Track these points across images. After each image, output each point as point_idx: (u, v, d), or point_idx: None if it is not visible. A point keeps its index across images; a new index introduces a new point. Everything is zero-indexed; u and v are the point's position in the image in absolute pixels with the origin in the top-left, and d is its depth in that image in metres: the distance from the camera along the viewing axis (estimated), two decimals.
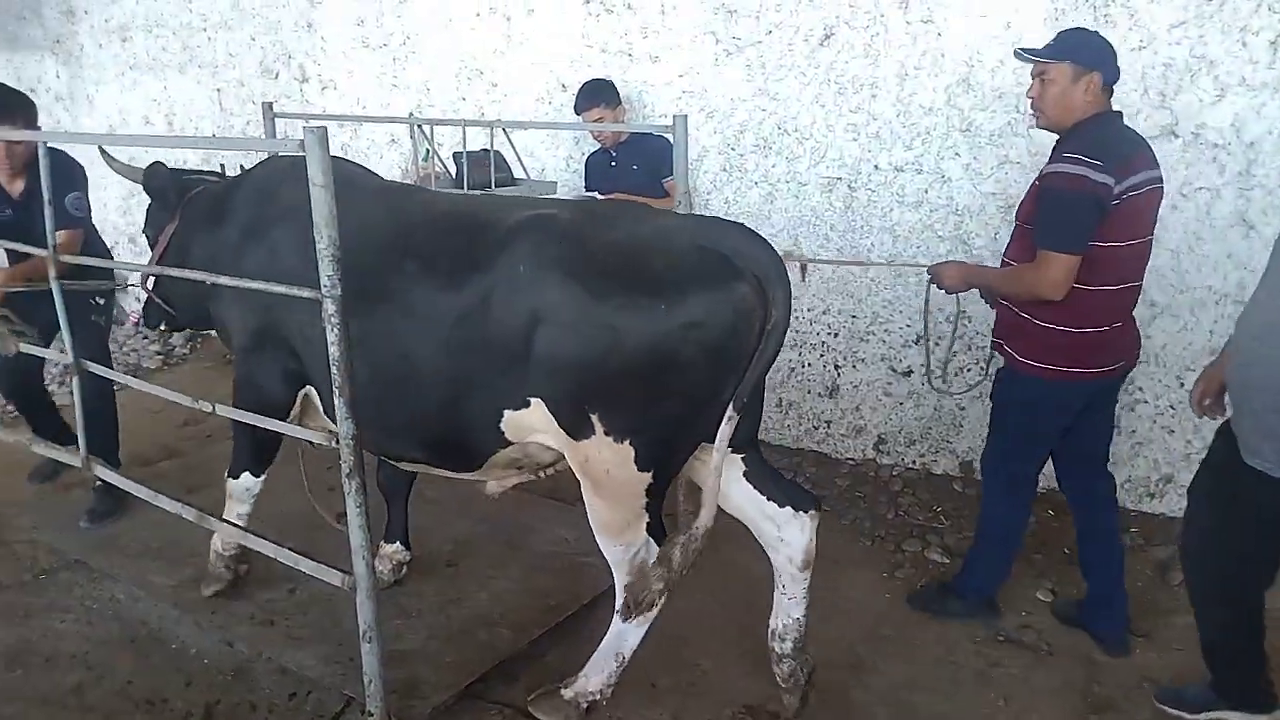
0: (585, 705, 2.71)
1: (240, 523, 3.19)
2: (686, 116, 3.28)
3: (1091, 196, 2.63)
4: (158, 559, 3.50)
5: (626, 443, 2.36)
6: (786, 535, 2.64)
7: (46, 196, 2.79)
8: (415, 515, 3.81)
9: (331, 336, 2.21)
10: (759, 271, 2.30)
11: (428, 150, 4.10)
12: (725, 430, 2.34)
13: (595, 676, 2.70)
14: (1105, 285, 2.77)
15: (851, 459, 4.48)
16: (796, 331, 4.46)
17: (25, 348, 3.28)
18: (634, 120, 4.57)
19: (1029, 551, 3.67)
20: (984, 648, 3.15)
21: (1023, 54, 2.81)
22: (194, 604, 3.22)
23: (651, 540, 2.57)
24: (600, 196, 4.24)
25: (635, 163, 4.28)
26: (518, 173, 4.17)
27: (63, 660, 3.04)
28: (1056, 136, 2.83)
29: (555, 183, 4.45)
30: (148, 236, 3.38)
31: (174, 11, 6.23)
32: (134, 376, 3.01)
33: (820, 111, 4.17)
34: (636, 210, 2.66)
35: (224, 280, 2.47)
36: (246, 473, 3.14)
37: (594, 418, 2.36)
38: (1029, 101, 2.85)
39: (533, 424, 2.47)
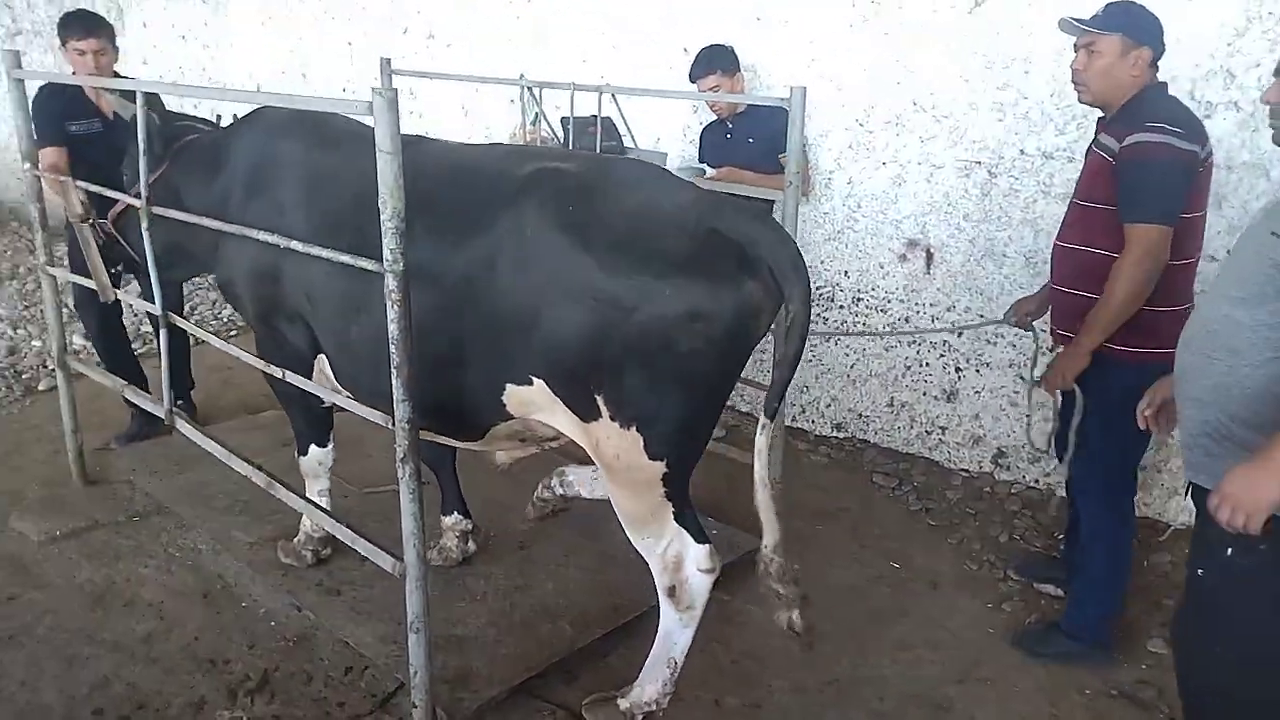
0: (640, 717, 2.56)
1: (322, 498, 3.16)
2: (805, 89, 2.98)
3: (1180, 164, 2.56)
4: (242, 514, 3.52)
5: (634, 429, 2.25)
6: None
7: (141, 146, 2.78)
8: (494, 491, 3.73)
9: (392, 313, 2.08)
10: (774, 266, 2.18)
11: (536, 114, 3.94)
12: (762, 441, 2.29)
13: (650, 686, 2.56)
14: (1188, 258, 2.70)
15: (966, 470, 4.12)
16: (916, 327, 4.11)
17: (122, 296, 3.33)
18: (756, 90, 4.27)
19: (1156, 595, 3.27)
20: (1094, 702, 2.80)
21: (1069, 23, 2.68)
22: (268, 564, 3.22)
23: (685, 532, 2.43)
24: (710, 170, 4.00)
25: (751, 135, 4.00)
26: (627, 141, 3.96)
27: (139, 607, 3.08)
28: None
29: (666, 154, 4.22)
30: (124, 175, 3.26)
31: None
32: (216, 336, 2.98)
33: (963, 87, 3.77)
34: (655, 176, 2.47)
35: (295, 245, 2.35)
36: (313, 446, 3.09)
37: (599, 400, 2.25)
38: (1071, 73, 2.77)
39: (535, 401, 2.37)
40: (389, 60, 4.26)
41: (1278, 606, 1.94)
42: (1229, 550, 1.93)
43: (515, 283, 2.25)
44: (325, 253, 2.24)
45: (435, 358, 2.39)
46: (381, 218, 2.02)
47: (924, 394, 4.18)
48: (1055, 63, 3.51)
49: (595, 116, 3.81)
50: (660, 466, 2.30)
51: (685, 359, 2.17)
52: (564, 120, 3.82)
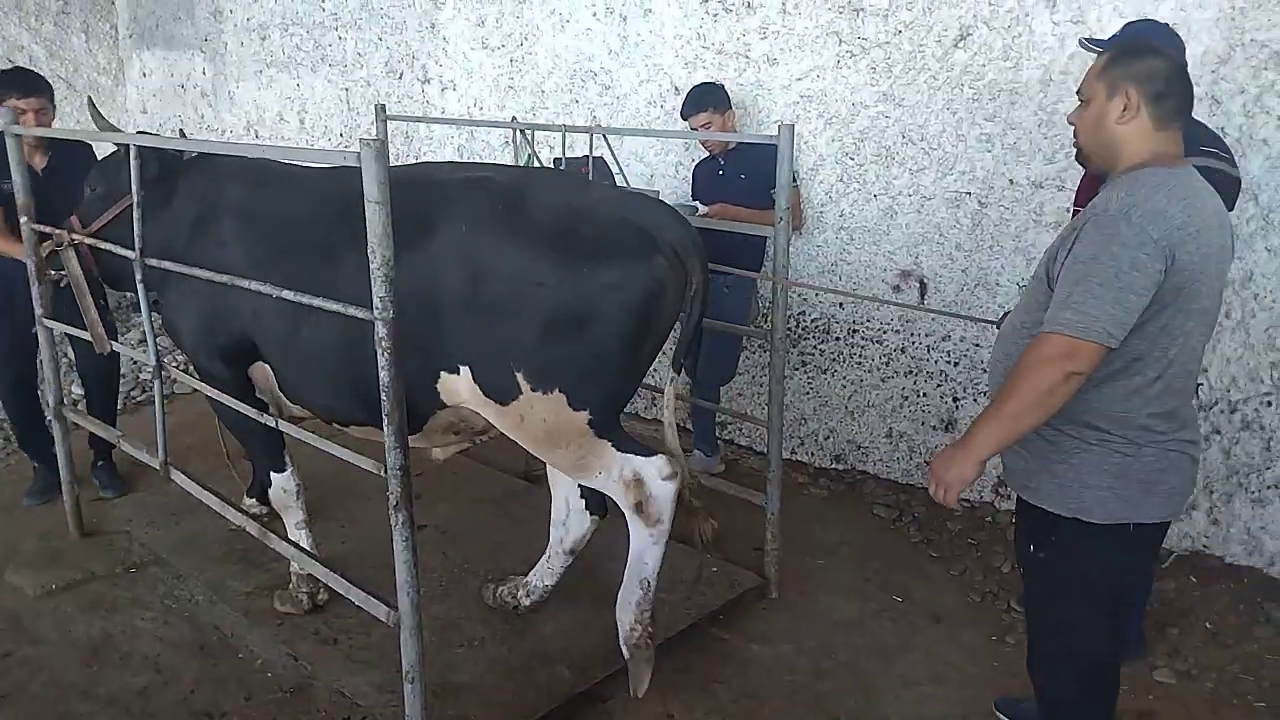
0: (632, 645, 2.74)
1: (302, 529, 3.16)
2: (793, 127, 3.00)
3: (1232, 194, 2.53)
4: (239, 562, 3.50)
5: (555, 390, 2.50)
6: (571, 525, 3.06)
7: (135, 199, 2.79)
8: (498, 532, 3.72)
9: (382, 361, 2.09)
10: (677, 245, 2.54)
11: (529, 155, 3.97)
12: (669, 391, 2.74)
13: (626, 612, 2.74)
14: None
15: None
16: (912, 358, 4.10)
17: (116, 346, 3.34)
18: (747, 126, 4.31)
19: (1160, 622, 3.23)
20: None
21: (1089, 44, 2.64)
22: (264, 613, 3.19)
23: (633, 456, 2.65)
24: (702, 207, 4.02)
25: (743, 172, 4.02)
26: (620, 180, 3.98)
27: (135, 660, 3.06)
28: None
29: (657, 191, 4.22)
30: (92, 190, 3.27)
31: (308, 11, 6.36)
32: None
33: (951, 119, 3.80)
34: (572, 182, 2.87)
35: (286, 294, 2.36)
36: (272, 473, 3.10)
37: (519, 376, 2.49)
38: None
39: (461, 391, 2.59)
40: (384, 107, 4.31)
41: (1076, 588, 2.17)
42: (1030, 547, 2.21)
43: (452, 276, 2.47)
44: (316, 300, 2.24)
45: (373, 358, 2.47)
46: (371, 266, 2.03)
47: (922, 424, 4.16)
48: (1042, 92, 3.54)
49: (587, 157, 3.84)
50: (584, 415, 2.56)
51: (601, 323, 2.47)
52: (556, 161, 3.84)
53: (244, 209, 2.90)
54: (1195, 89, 3.21)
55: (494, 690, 2.78)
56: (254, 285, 2.41)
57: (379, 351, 2.07)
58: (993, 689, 2.91)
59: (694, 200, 4.19)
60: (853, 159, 4.12)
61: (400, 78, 5.93)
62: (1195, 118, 2.71)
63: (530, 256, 2.44)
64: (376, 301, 2.04)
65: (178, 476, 3.04)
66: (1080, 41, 2.82)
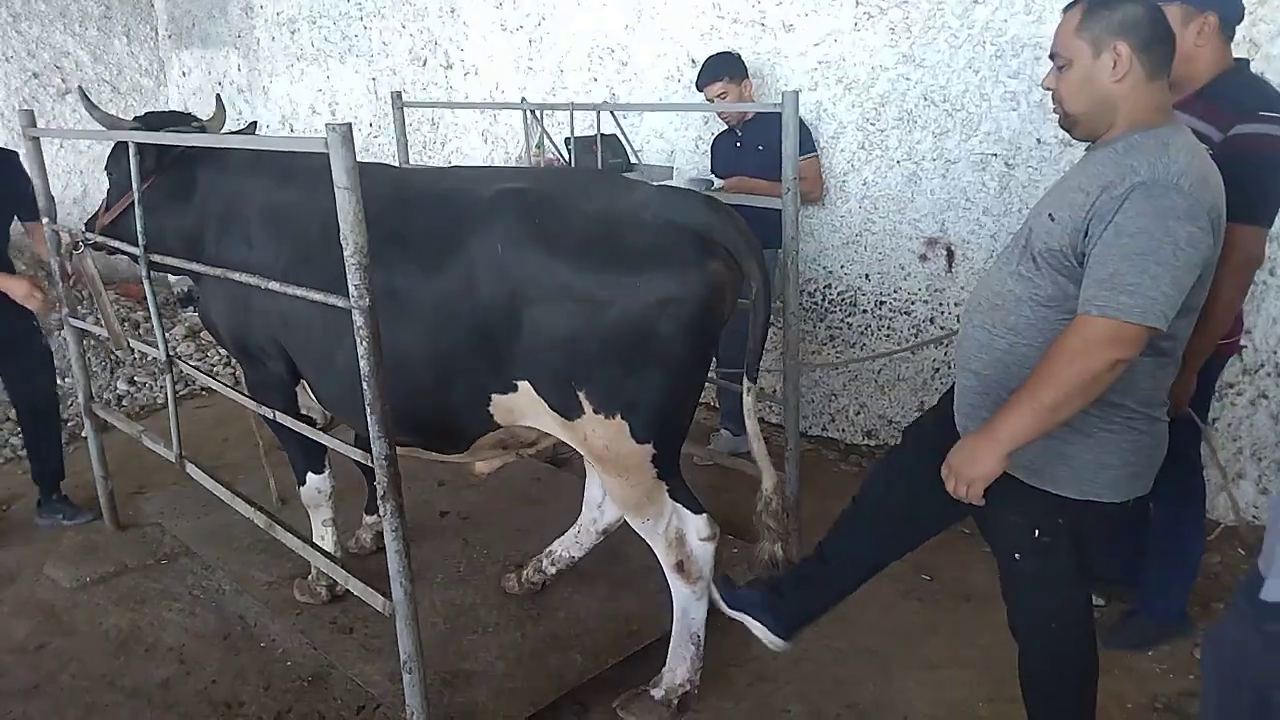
0: (677, 700, 2.61)
1: (328, 526, 3.17)
2: (797, 94, 2.90)
3: None
4: (263, 552, 3.54)
5: (618, 417, 2.35)
6: (607, 508, 3.02)
7: (136, 196, 2.80)
8: (520, 517, 3.70)
9: (362, 350, 2.06)
10: (730, 246, 2.35)
11: (541, 135, 3.91)
12: (749, 401, 2.51)
13: (680, 667, 2.64)
14: None
15: None
16: (941, 328, 3.96)
17: (134, 343, 3.38)
18: (766, 95, 4.19)
19: (1205, 597, 3.07)
20: (1136, 715, 2.64)
21: None
22: (285, 603, 3.22)
23: (681, 508, 2.56)
24: (719, 181, 3.92)
25: (761, 143, 3.90)
26: (632, 157, 3.91)
27: (160, 652, 3.11)
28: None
29: (671, 167, 4.16)
30: (109, 175, 3.22)
31: (334, 2, 6.38)
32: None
33: (974, 79, 3.63)
34: (612, 181, 2.64)
35: (253, 281, 2.38)
36: (309, 474, 3.09)
37: (581, 395, 2.35)
38: None
39: (521, 407, 2.46)
40: (400, 94, 4.29)
41: (1076, 569, 2.07)
42: (1035, 531, 2.03)
43: (493, 297, 2.34)
44: (293, 290, 2.23)
45: (420, 379, 2.50)
46: (345, 254, 2.00)
47: None
48: None
49: (596, 135, 3.78)
50: (648, 449, 2.41)
51: (661, 343, 2.28)
52: (566, 141, 3.78)
53: (265, 204, 2.82)
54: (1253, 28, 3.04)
55: (505, 677, 2.76)
56: (239, 276, 2.40)
57: (358, 340, 2.04)
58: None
59: (711, 174, 4.10)
60: (874, 124, 3.97)
61: (424, 64, 5.92)
62: (1253, 73, 2.51)
63: (572, 272, 2.26)
64: (352, 290, 2.01)
65: (192, 469, 3.07)
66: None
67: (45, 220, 3.45)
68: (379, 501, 2.18)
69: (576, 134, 3.74)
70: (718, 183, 3.91)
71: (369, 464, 2.17)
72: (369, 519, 3.51)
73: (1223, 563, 3.24)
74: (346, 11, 6.33)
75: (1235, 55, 2.48)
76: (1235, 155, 2.25)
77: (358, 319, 2.02)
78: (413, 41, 5.94)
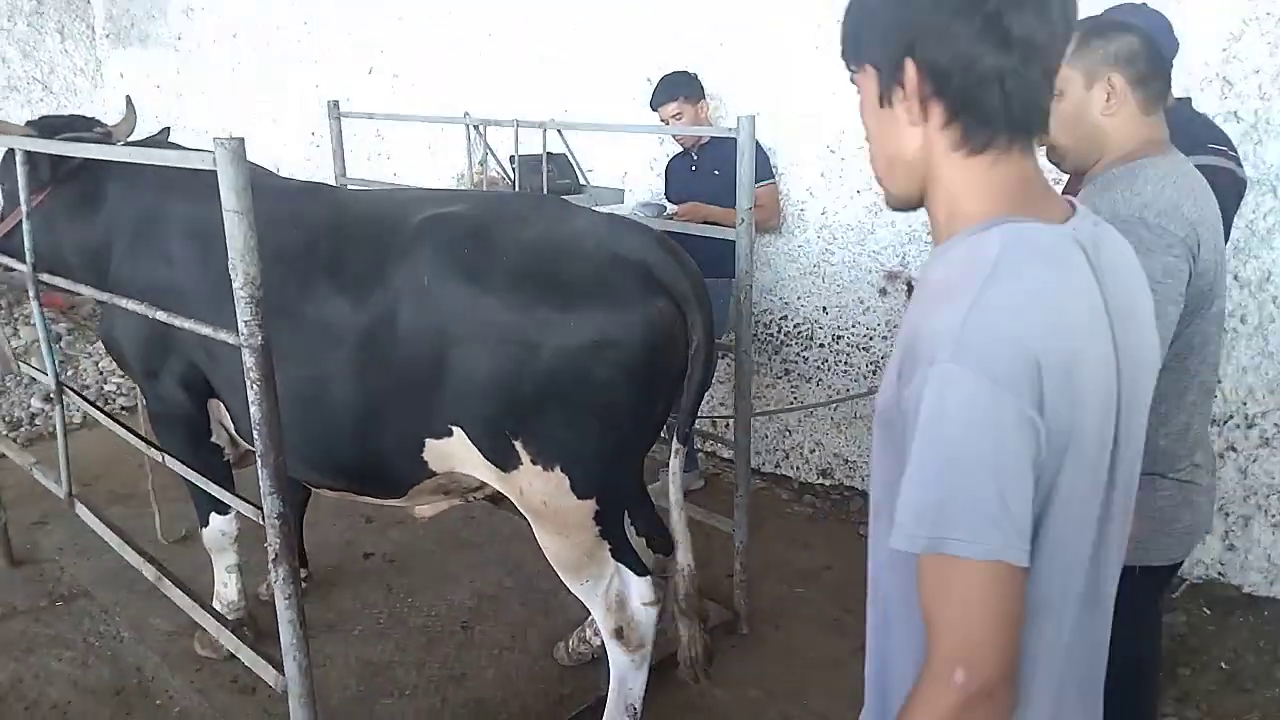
0: None
1: (233, 573, 2.91)
2: (753, 117, 2.72)
3: (1239, 194, 2.32)
4: (165, 597, 3.23)
5: (557, 469, 2.12)
6: None
7: (24, 210, 2.53)
8: (450, 561, 3.46)
9: (252, 394, 1.80)
10: (676, 293, 2.11)
11: (485, 152, 3.69)
12: (675, 464, 2.30)
13: None
14: None
15: None
16: None
17: (26, 368, 3.09)
18: (723, 119, 4.01)
19: (1174, 661, 2.91)
20: None
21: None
22: (185, 655, 2.94)
23: (624, 568, 2.35)
24: (671, 207, 3.72)
25: (717, 167, 3.72)
26: (581, 178, 3.70)
27: (42, 709, 2.81)
28: None
29: (622, 190, 3.96)
30: (0, 186, 2.94)
31: (278, 5, 6.11)
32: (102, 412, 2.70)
33: None
34: (553, 206, 2.36)
35: (134, 307, 2.11)
36: (212, 514, 2.83)
37: (518, 445, 2.12)
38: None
39: (456, 454, 2.23)
40: (337, 103, 4.07)
41: None
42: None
43: (420, 334, 2.12)
44: (183, 322, 1.98)
45: (348, 421, 2.28)
46: (234, 285, 1.75)
47: None
48: None
49: (551, 154, 3.57)
50: (590, 505, 2.19)
51: (601, 391, 2.06)
52: (512, 159, 3.57)
53: (190, 219, 2.55)
54: (1204, 69, 2.93)
55: None
56: (128, 304, 2.13)
57: (247, 384, 1.80)
58: None
59: (664, 198, 3.90)
60: (834, 153, 3.81)
61: (370, 73, 5.67)
62: (1196, 109, 2.49)
63: (502, 309, 2.05)
64: (242, 327, 1.76)
65: (81, 510, 2.78)
66: None
67: None
68: (270, 565, 1.93)
69: (524, 153, 3.53)
70: (671, 208, 3.72)
71: (259, 520, 1.92)
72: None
73: (1189, 623, 3.10)
74: (291, 16, 6.06)
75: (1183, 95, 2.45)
76: None
77: (248, 359, 1.78)
78: (357, 51, 5.69)
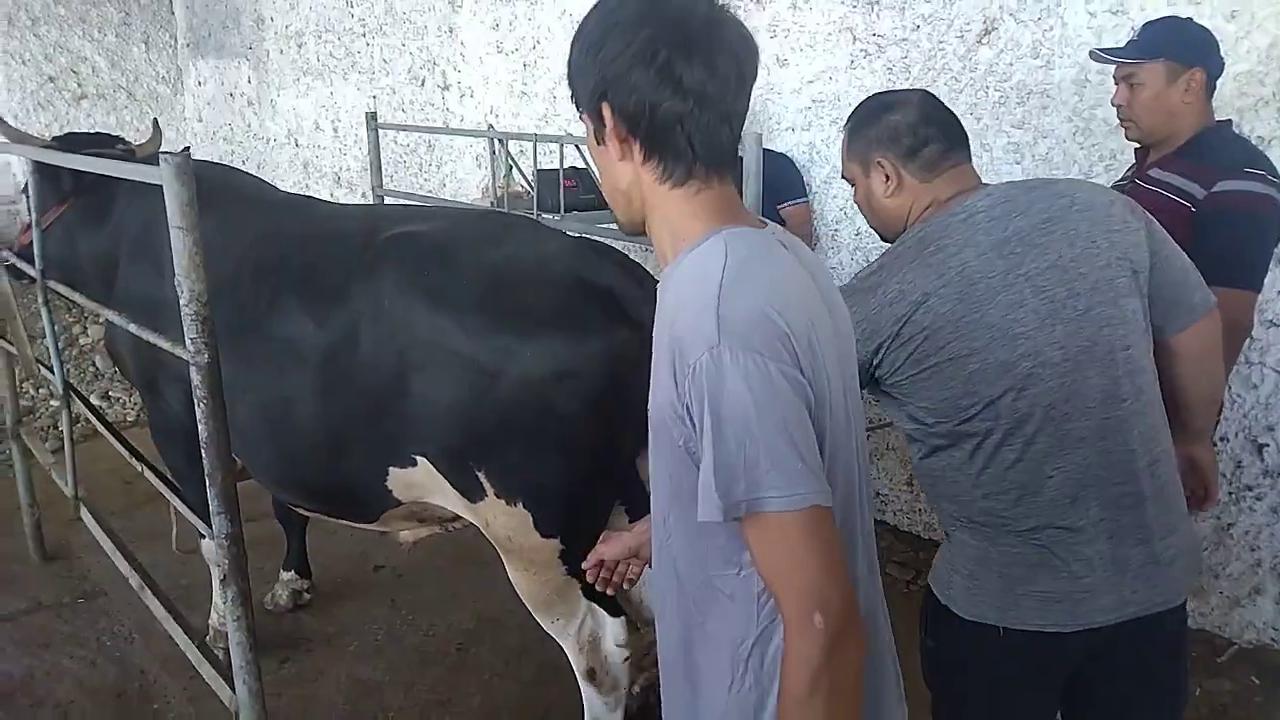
0: None
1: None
2: (760, 134, 2.62)
3: (1277, 222, 2.18)
4: (178, 602, 3.28)
5: (520, 505, 2.05)
6: (646, 593, 2.37)
7: (33, 218, 2.60)
8: (457, 579, 3.42)
9: (200, 413, 1.79)
10: (643, 315, 1.92)
11: (509, 167, 3.66)
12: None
13: None
14: None
15: None
16: None
17: (46, 373, 3.16)
18: (757, 132, 3.89)
19: None
20: None
21: (1101, 56, 2.39)
22: (183, 664, 2.93)
23: (597, 609, 2.25)
24: None
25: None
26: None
27: (47, 709, 2.87)
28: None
29: None
30: (29, 205, 2.97)
31: (339, 17, 6.23)
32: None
33: (975, 125, 3.30)
34: (525, 227, 2.29)
35: (114, 318, 2.23)
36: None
37: (480, 476, 2.05)
38: (1116, 109, 2.42)
39: (422, 483, 2.16)
40: (374, 115, 4.09)
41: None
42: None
43: (378, 358, 2.07)
44: (137, 330, 1.99)
45: (312, 441, 2.24)
46: (181, 301, 1.74)
47: None
48: (1076, 95, 3.03)
49: (574, 168, 3.52)
50: (555, 544, 2.10)
51: (562, 423, 1.97)
52: (535, 174, 3.53)
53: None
54: (1261, 87, 2.71)
55: None
56: (108, 313, 2.16)
57: (195, 401, 1.78)
58: None
59: None
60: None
61: (422, 84, 5.73)
62: (1235, 131, 2.34)
63: (460, 334, 1.99)
64: (189, 343, 1.75)
65: (86, 516, 2.84)
66: (1091, 54, 2.43)
67: None
68: (216, 585, 1.91)
69: (551, 167, 3.48)
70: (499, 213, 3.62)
71: (215, 537, 1.90)
72: (285, 575, 3.26)
73: (1234, 692, 2.85)
74: (350, 27, 6.17)
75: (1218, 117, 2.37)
76: (1218, 213, 2.16)
77: (194, 376, 1.76)
78: (412, 60, 5.75)
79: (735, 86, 1.10)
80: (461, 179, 5.57)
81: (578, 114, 1.18)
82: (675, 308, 1.08)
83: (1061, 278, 1.49)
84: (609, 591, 1.74)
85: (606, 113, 1.11)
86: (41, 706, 2.87)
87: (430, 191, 5.65)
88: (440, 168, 5.76)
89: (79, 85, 8.71)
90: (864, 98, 1.74)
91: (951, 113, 1.67)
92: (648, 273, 2.17)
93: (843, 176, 1.75)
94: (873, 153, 1.65)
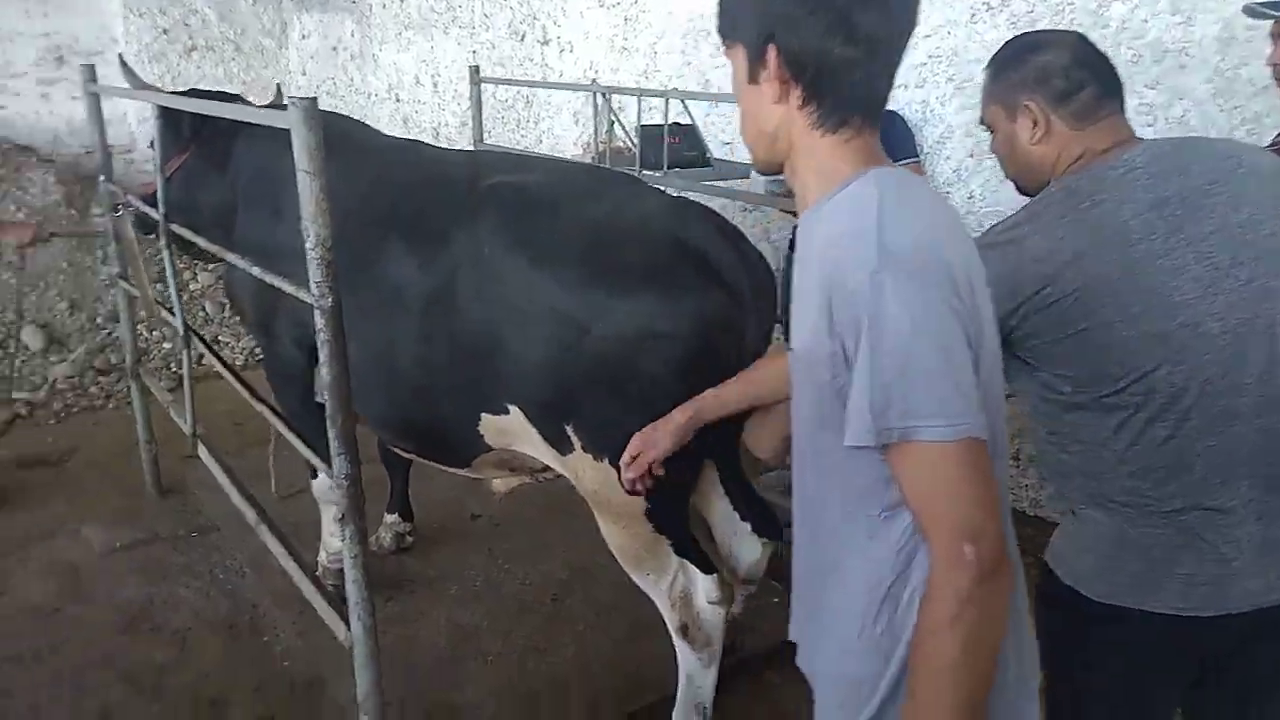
0: None
1: (338, 525, 3.01)
2: None
3: None
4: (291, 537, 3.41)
5: (606, 461, 2.05)
6: (739, 551, 2.47)
7: (157, 163, 2.68)
8: (550, 529, 3.46)
9: (323, 355, 1.83)
10: (737, 278, 2.00)
11: (611, 122, 3.64)
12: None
13: None
14: None
15: None
16: None
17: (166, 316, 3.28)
18: None
19: None
20: None
21: (1256, 9, 2.10)
22: (292, 598, 3.06)
23: (689, 565, 2.26)
24: None
25: None
26: (709, 151, 3.59)
27: (165, 634, 3.01)
28: None
29: (750, 165, 3.79)
30: (155, 150, 3.09)
31: None
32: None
33: None
34: (626, 184, 2.26)
35: (236, 261, 2.25)
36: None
37: (569, 430, 2.08)
38: (1272, 69, 2.13)
39: (513, 432, 2.20)
40: (477, 69, 4.10)
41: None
42: None
43: (476, 306, 2.10)
44: (260, 273, 2.04)
45: (412, 381, 2.29)
46: (306, 245, 1.77)
47: None
48: (1219, 55, 2.85)
49: (677, 124, 3.48)
50: (640, 502, 2.10)
51: (650, 382, 1.96)
52: (638, 129, 3.49)
53: (289, 180, 2.67)
54: None
55: (491, 718, 2.52)
56: (230, 256, 2.22)
57: (319, 344, 1.82)
58: None
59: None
60: (987, 132, 3.52)
61: (522, 39, 5.71)
62: None
63: (556, 287, 2.00)
64: (313, 287, 1.78)
65: (203, 453, 2.95)
66: (1246, 8, 2.21)
67: (101, 178, 3.39)
68: (336, 523, 1.96)
69: (655, 122, 3.45)
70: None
71: (332, 479, 1.95)
72: (389, 518, 3.34)
73: None
74: None
75: None
76: None
77: (319, 320, 1.80)
78: (512, 15, 5.74)
79: (901, 35, 1.09)
80: (559, 135, 5.56)
81: (722, 47, 1.16)
82: (828, 241, 1.07)
83: (1225, 244, 1.40)
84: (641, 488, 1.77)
85: (771, 54, 1.09)
86: (160, 633, 3.03)
87: (526, 148, 5.66)
88: (537, 124, 5.76)
89: (189, 38, 8.94)
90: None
91: (1106, 58, 1.55)
92: (744, 236, 2.13)
93: (980, 122, 1.67)
94: (1019, 95, 1.54)
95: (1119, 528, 1.51)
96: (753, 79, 1.13)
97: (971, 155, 3.59)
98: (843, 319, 1.02)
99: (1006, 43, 1.61)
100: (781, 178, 3.40)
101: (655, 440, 1.75)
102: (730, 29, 1.15)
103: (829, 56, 1.06)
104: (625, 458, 1.78)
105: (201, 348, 2.82)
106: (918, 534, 1.08)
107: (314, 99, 1.70)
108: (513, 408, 2.14)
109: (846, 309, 1.02)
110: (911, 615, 1.08)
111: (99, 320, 5.82)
